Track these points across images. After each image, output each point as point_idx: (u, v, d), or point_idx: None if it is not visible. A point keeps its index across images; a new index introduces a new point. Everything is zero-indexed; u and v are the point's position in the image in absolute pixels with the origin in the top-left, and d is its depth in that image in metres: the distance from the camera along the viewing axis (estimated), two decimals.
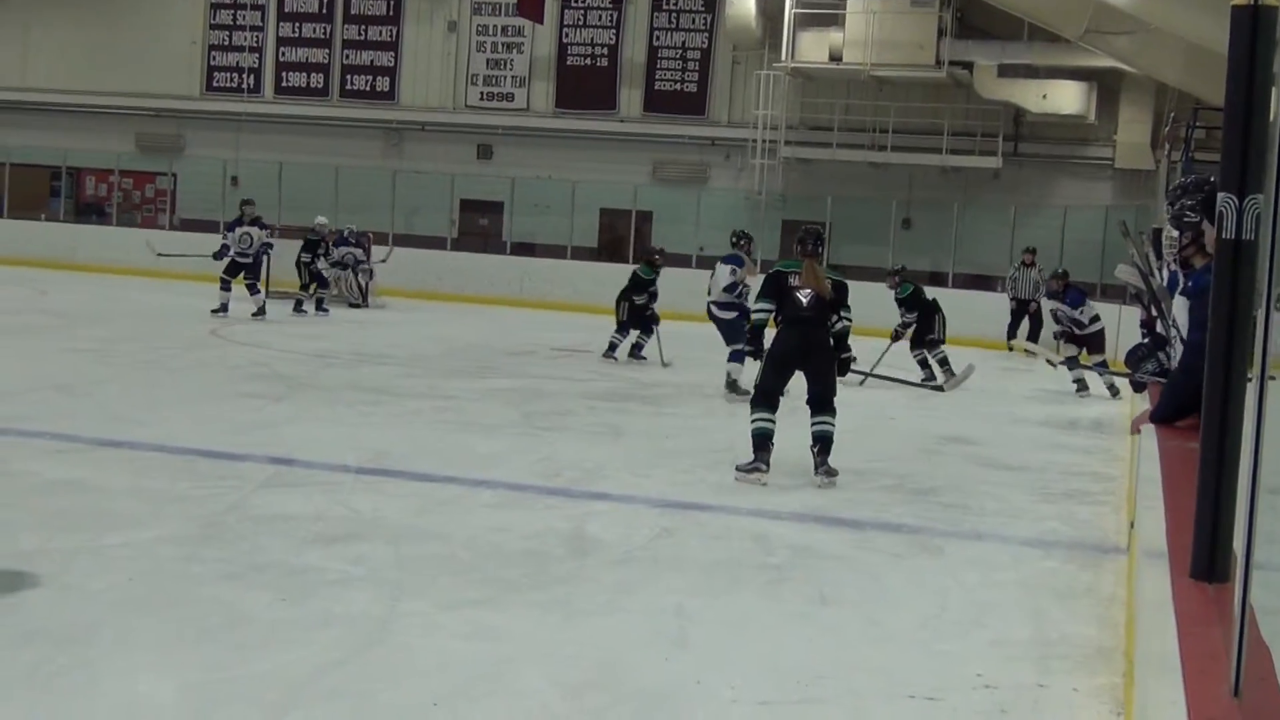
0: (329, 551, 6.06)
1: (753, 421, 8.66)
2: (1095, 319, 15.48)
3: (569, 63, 28.44)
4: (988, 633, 5.47)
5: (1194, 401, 3.57)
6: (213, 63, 30.40)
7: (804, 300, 8.73)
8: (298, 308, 19.77)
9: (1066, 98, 24.44)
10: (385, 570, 5.83)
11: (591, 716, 4.30)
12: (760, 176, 26.42)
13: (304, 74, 29.91)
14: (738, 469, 8.55)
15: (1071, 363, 15.48)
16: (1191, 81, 20.83)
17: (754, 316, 9.17)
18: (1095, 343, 15.59)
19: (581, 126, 28.18)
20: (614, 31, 28.14)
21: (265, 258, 19.27)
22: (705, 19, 27.64)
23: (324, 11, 29.72)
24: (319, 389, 11.92)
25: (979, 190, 25.80)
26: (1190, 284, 6.00)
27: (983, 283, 24.66)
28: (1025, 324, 21.72)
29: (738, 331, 12.90)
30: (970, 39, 24.83)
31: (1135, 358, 7.77)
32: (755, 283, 10.84)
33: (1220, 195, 3.22)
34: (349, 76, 29.67)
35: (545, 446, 9.51)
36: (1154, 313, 8.51)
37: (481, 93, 28.93)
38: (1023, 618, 5.76)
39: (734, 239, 14.53)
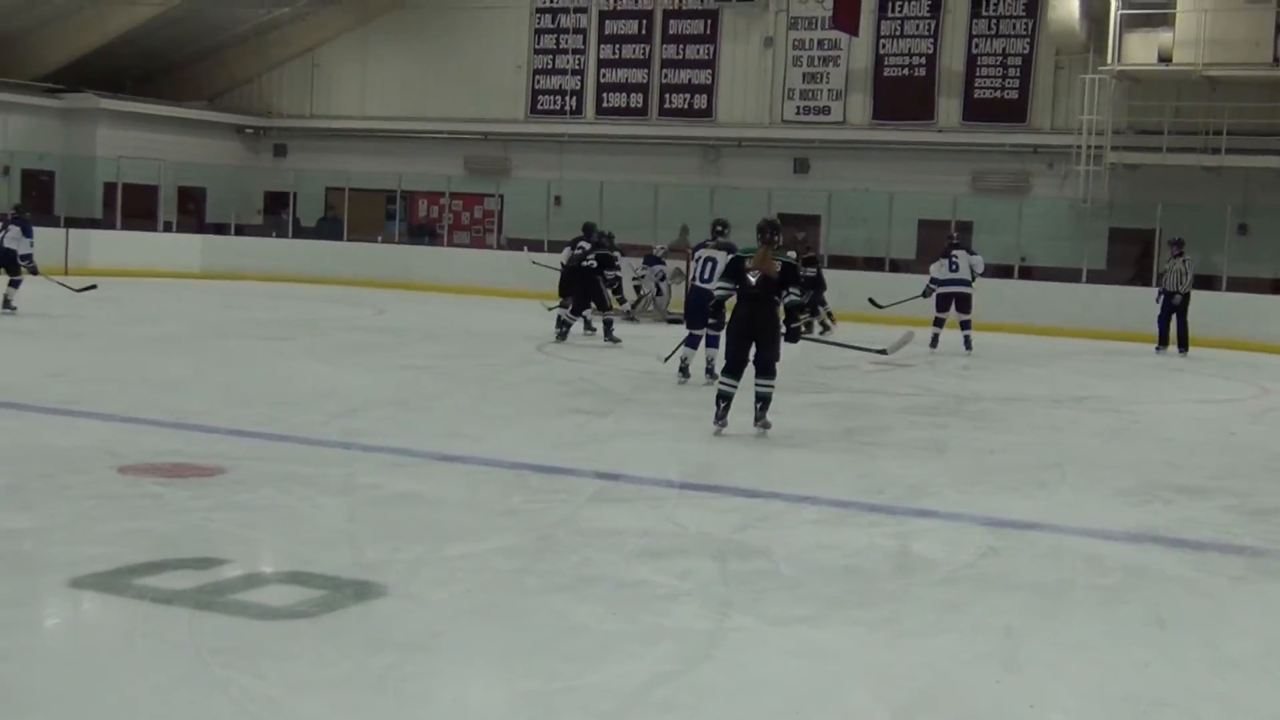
0: (657, 566, 6.17)
1: (720, 383, 10.39)
2: None
3: (886, 74, 28.21)
4: None
5: None
6: (537, 86, 31.31)
7: (752, 280, 10.18)
8: (587, 326, 18.95)
9: None
10: (712, 585, 5.91)
11: None
12: (1085, 184, 25.62)
13: (624, 94, 30.51)
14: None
15: None
16: None
17: (716, 294, 10.88)
18: None
19: (899, 137, 27.91)
20: (931, 40, 27.79)
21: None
22: (1026, 24, 27.02)
23: (643, 33, 30.27)
24: (644, 404, 12.13)
25: None
26: None
27: None
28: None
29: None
30: None
31: None
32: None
33: None
34: (667, 95, 30.12)
35: (867, 462, 9.46)
36: None
37: (798, 107, 28.97)
38: None
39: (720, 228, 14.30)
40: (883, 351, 11.85)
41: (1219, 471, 9.69)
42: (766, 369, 10.24)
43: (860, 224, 26.86)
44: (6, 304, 18.20)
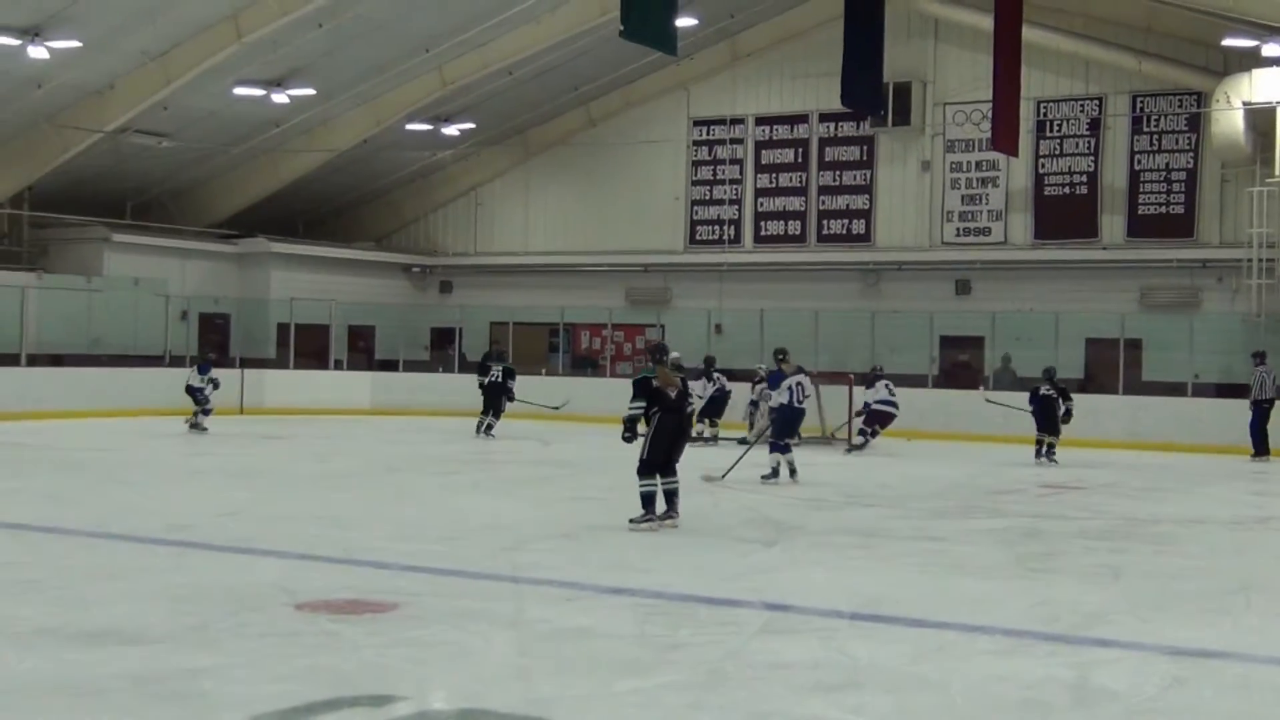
0: (829, 700, 6.08)
1: (643, 486, 11.61)
2: None
3: (1046, 193, 28.02)
4: None
5: None
6: (695, 217, 31.68)
7: (671, 394, 11.69)
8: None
9: None
10: None
11: None
12: (1257, 297, 25.05)
13: (782, 222, 30.71)
14: (631, 521, 11.53)
15: None
16: None
17: (630, 412, 11.88)
18: None
19: (1062, 256, 27.65)
20: (1092, 158, 27.57)
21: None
22: (1189, 139, 26.69)
23: (800, 160, 30.51)
24: (809, 533, 12.03)
25: None
26: None
27: None
28: None
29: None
30: None
31: None
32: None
33: None
34: (825, 221, 30.25)
35: (1041, 589, 9.24)
36: None
37: (958, 229, 28.87)
38: None
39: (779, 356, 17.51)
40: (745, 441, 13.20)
41: None
42: (673, 469, 11.79)
43: (1025, 344, 26.47)
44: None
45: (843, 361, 25.36)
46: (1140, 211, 27.14)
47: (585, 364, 31.67)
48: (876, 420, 21.88)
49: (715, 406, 22.96)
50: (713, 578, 9.40)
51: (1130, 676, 6.67)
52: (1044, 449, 20.39)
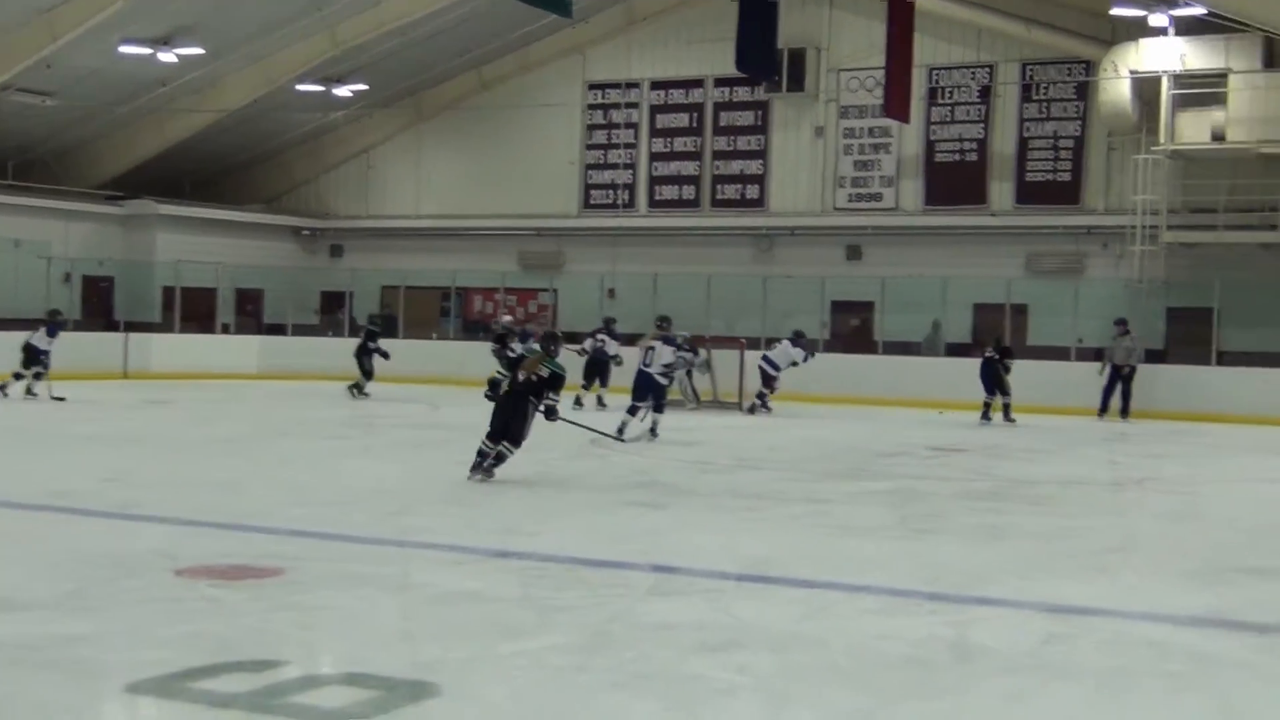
0: (713, 660, 6.11)
1: (485, 445, 12.47)
2: None
3: (937, 159, 28.30)
4: None
5: None
6: (589, 181, 31.62)
7: (520, 377, 12.57)
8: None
9: None
10: (770, 679, 5.84)
11: None
12: (1140, 264, 25.50)
13: (676, 186, 30.74)
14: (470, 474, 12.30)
15: None
16: None
17: (494, 376, 13.09)
18: None
19: (952, 222, 27.94)
20: (982, 126, 27.87)
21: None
22: (1078, 107, 27.07)
23: (694, 126, 30.53)
24: (698, 496, 12.09)
25: None
26: None
27: None
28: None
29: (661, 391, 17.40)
30: None
31: None
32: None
33: None
34: (719, 186, 30.33)
35: (925, 549, 9.37)
36: None
37: (850, 194, 29.07)
38: None
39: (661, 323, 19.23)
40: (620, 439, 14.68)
41: None
42: (515, 439, 12.49)
43: (915, 309, 26.77)
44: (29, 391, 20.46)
45: (735, 326, 25.48)
46: (1028, 179, 27.50)
47: (477, 328, 31.52)
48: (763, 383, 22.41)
49: (597, 370, 22.52)
50: (601, 541, 9.41)
51: (1009, 634, 6.78)
52: (987, 411, 21.26)
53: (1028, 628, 6.93)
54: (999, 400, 21.28)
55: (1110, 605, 7.57)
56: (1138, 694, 5.78)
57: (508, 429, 12.48)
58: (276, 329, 31.51)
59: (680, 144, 30.71)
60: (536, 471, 13.66)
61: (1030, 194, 27.46)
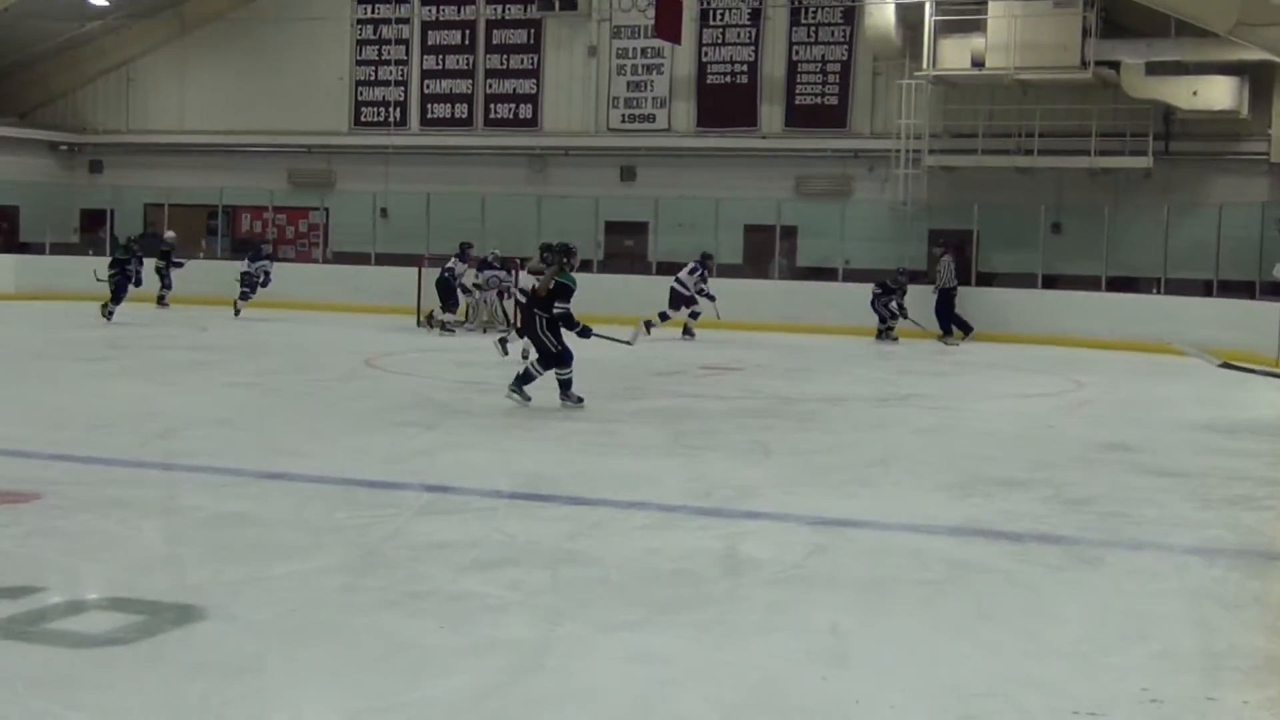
0: (486, 577, 6.14)
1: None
2: None
3: (709, 81, 28.47)
4: (1152, 645, 5.36)
5: None
6: (360, 98, 30.99)
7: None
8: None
9: (1217, 93, 23.85)
10: (542, 595, 5.89)
11: None
12: (905, 187, 26.17)
13: (448, 105, 30.35)
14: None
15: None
16: None
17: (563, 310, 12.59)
18: None
19: (723, 144, 28.21)
20: (753, 48, 28.12)
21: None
22: (844, 31, 27.48)
23: (466, 43, 30.14)
24: (472, 415, 12.08)
25: (1130, 192, 25.24)
26: None
27: (1136, 285, 24.17)
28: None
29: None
30: (1116, 38, 24.33)
31: None
32: None
33: None
34: (492, 105, 30.05)
35: (696, 466, 9.52)
36: None
37: (623, 115, 29.09)
38: (1188, 629, 5.63)
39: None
40: (628, 343, 14.12)
41: (1037, 464, 9.95)
42: (562, 362, 12.49)
43: (688, 230, 27.02)
44: None
45: (509, 245, 25.36)
46: (798, 102, 27.86)
47: (246, 247, 30.78)
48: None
49: (444, 291, 22.73)
50: (372, 461, 9.34)
51: (775, 546, 6.95)
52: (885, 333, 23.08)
53: (794, 540, 7.11)
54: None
55: (872, 517, 7.83)
56: (897, 600, 5.98)
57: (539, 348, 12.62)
58: (33, 247, 30.27)
59: (452, 61, 30.29)
60: (306, 392, 13.50)
61: (799, 117, 27.84)
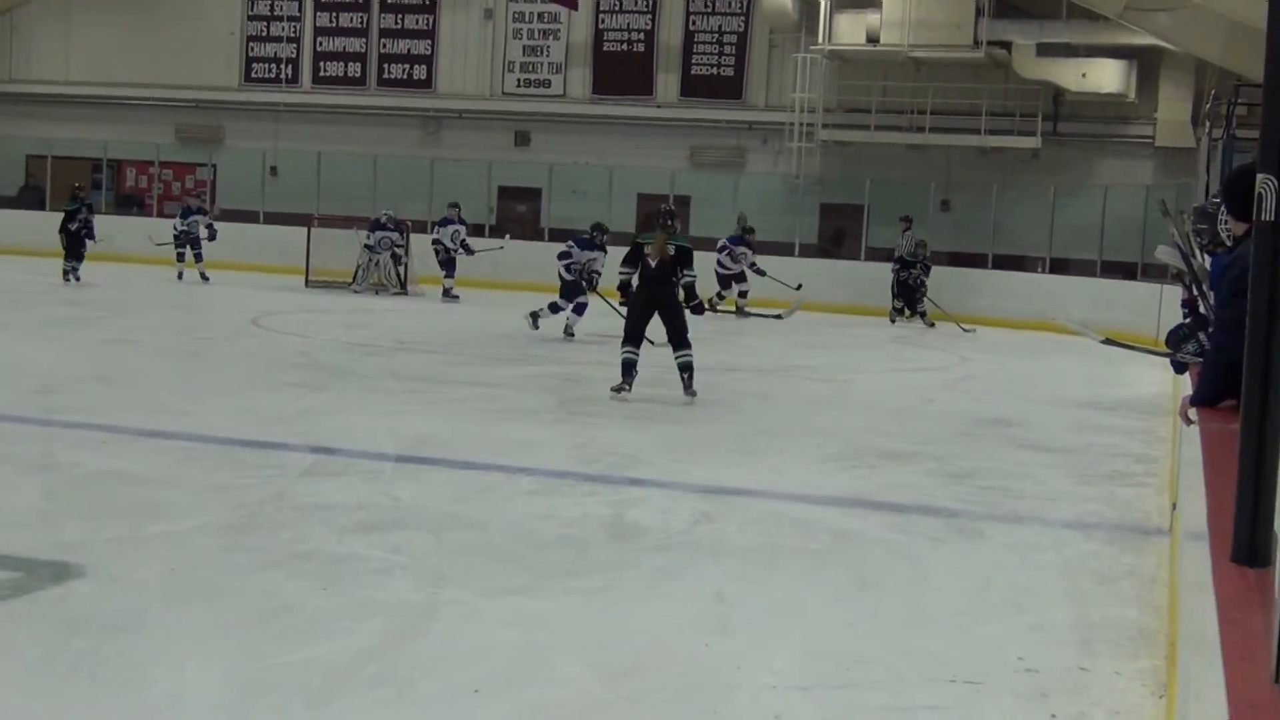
0: (370, 540, 6.09)
1: (623, 352, 11.18)
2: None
3: (605, 48, 28.40)
4: (1029, 616, 5.46)
5: (1233, 381, 3.53)
6: (251, 53, 30.49)
7: (652, 264, 11.33)
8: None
9: (1106, 76, 24.25)
10: (426, 558, 5.86)
11: (632, 702, 4.32)
12: (798, 160, 26.32)
13: (341, 63, 29.97)
14: (611, 389, 11.00)
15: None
16: (1232, 58, 20.61)
17: (620, 277, 11.70)
18: None
19: (618, 112, 28.14)
20: (650, 16, 28.07)
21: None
22: (742, 2, 27.51)
23: (361, 1, 29.76)
24: (360, 377, 11.98)
25: (1018, 171, 25.62)
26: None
27: (1022, 263, 24.54)
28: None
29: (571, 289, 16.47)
30: (1008, 18, 24.64)
31: (1176, 338, 7.70)
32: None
33: (1259, 176, 3.17)
34: (386, 65, 29.71)
35: (584, 432, 9.52)
36: (1195, 293, 8.43)
37: (518, 79, 28.93)
38: (1064, 601, 5.74)
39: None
40: (779, 317, 14.38)
41: (920, 437, 10.07)
42: (681, 342, 11.29)
43: (581, 197, 26.95)
44: None
45: (401, 208, 25.11)
46: (694, 72, 27.88)
47: (131, 202, 30.22)
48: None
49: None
50: (257, 421, 9.22)
51: (662, 514, 6.97)
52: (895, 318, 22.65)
53: (680, 508, 7.13)
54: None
55: (758, 486, 7.88)
56: (781, 569, 6.03)
57: (673, 328, 11.33)
58: None
59: (346, 19, 29.90)
60: (190, 350, 13.30)
61: (695, 87, 27.87)
